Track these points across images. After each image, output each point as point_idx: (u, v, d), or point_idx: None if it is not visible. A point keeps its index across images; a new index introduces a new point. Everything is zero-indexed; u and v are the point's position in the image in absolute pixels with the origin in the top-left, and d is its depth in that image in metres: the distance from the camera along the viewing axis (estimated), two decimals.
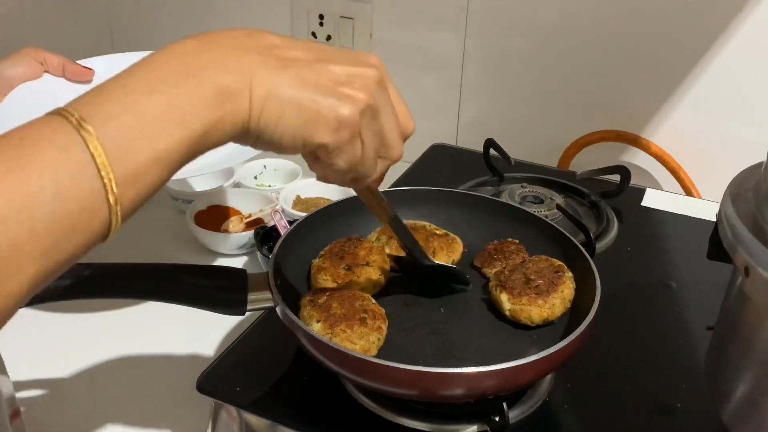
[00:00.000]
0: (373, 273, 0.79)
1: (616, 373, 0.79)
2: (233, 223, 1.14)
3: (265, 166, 1.31)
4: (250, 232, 1.09)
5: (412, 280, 0.81)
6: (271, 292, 0.71)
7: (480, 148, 1.17)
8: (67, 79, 0.95)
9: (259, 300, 0.71)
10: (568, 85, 1.28)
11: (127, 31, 1.67)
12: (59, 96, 0.88)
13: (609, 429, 0.73)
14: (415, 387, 0.64)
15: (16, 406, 0.73)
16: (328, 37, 1.41)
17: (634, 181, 1.12)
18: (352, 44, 1.39)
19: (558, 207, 1.01)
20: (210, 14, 1.54)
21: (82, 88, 1.02)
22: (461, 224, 0.88)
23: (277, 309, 0.71)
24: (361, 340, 0.69)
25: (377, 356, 0.69)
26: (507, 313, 0.75)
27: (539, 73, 1.29)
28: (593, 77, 1.25)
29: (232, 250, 1.12)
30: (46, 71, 0.95)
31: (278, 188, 1.25)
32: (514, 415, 0.71)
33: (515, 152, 1.13)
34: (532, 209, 0.97)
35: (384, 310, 0.73)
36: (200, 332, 0.95)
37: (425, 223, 0.87)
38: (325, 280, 0.77)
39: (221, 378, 0.76)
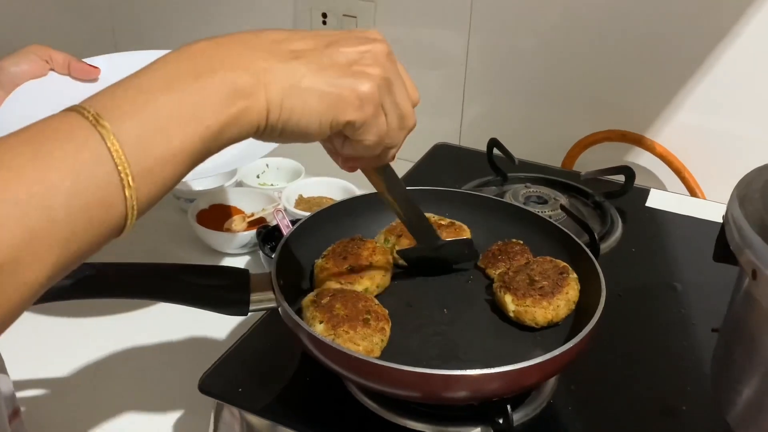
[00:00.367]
0: (376, 273, 0.78)
1: (620, 375, 0.79)
2: (235, 223, 1.14)
3: (267, 165, 1.31)
4: (253, 232, 1.08)
5: (420, 270, 0.81)
6: (274, 293, 0.71)
7: (483, 148, 1.16)
8: (72, 77, 0.95)
9: (262, 300, 0.71)
10: (572, 84, 1.27)
11: (129, 30, 1.67)
12: (64, 94, 0.88)
13: (613, 431, 0.73)
14: (418, 389, 0.64)
15: (16, 406, 0.73)
16: None
17: (639, 182, 1.11)
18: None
19: (562, 207, 1.01)
20: (212, 13, 1.54)
21: (87, 86, 1.03)
22: (465, 225, 0.87)
23: (280, 310, 0.70)
24: (364, 341, 0.68)
25: (380, 357, 0.68)
26: (511, 314, 0.75)
27: (543, 72, 1.29)
28: (597, 77, 1.25)
29: (234, 250, 1.12)
30: (51, 69, 0.94)
31: (281, 187, 1.25)
32: (518, 417, 0.71)
33: (519, 152, 1.13)
34: (536, 210, 0.96)
35: (387, 311, 0.73)
36: (202, 333, 0.95)
37: (430, 214, 0.87)
38: (328, 281, 0.77)
39: (223, 379, 0.75)
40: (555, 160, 1.29)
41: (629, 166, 1.10)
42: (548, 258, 0.80)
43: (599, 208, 1.09)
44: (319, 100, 0.49)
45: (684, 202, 1.14)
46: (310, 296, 0.74)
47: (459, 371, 0.61)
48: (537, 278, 0.75)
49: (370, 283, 0.77)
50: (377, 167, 0.64)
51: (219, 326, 0.95)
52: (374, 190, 0.80)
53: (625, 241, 1.03)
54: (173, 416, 0.84)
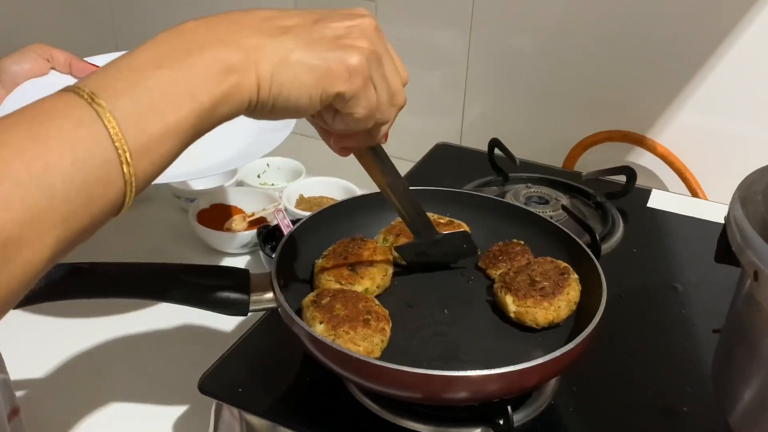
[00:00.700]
0: (377, 274, 0.78)
1: (621, 376, 0.78)
2: (236, 222, 1.13)
3: (268, 165, 1.31)
4: (253, 231, 1.08)
5: (416, 266, 0.81)
6: (274, 293, 0.70)
7: (484, 148, 1.16)
8: (74, 76, 0.95)
9: (262, 300, 0.71)
10: (573, 84, 1.27)
11: (130, 29, 1.67)
12: None
13: None
14: (419, 390, 0.64)
15: (15, 405, 0.73)
16: None
17: (640, 182, 1.11)
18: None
19: (563, 208, 1.01)
20: (213, 13, 1.54)
21: None
22: (466, 225, 0.87)
23: (280, 310, 0.70)
24: (365, 341, 0.68)
25: (381, 358, 0.68)
26: (512, 315, 0.74)
27: (544, 72, 1.29)
28: (599, 77, 1.25)
29: (234, 249, 1.12)
30: (53, 68, 0.94)
31: (281, 187, 1.24)
32: (518, 418, 0.70)
33: (520, 152, 1.13)
34: (537, 210, 0.96)
35: (388, 312, 0.73)
36: (202, 333, 0.95)
37: (430, 214, 0.87)
38: (329, 281, 0.77)
39: (223, 379, 0.75)
40: (556, 161, 1.29)
41: (630, 166, 1.10)
42: (549, 258, 0.80)
43: (600, 209, 1.09)
44: (309, 73, 0.50)
45: (685, 202, 1.14)
46: (311, 296, 0.74)
47: (459, 372, 0.61)
48: (538, 279, 0.75)
49: (371, 283, 0.77)
50: (369, 148, 0.64)
51: (219, 326, 0.95)
52: (376, 190, 0.80)
53: (626, 241, 1.03)
54: (173, 416, 0.84)
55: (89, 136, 0.41)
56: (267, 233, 1.05)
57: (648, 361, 0.81)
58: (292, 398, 0.74)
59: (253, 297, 0.71)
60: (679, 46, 1.17)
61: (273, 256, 0.76)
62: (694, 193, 1.22)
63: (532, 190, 1.09)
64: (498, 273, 0.80)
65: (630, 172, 1.09)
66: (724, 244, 0.60)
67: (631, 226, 1.06)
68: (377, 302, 0.74)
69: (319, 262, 0.80)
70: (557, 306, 0.73)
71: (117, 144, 0.42)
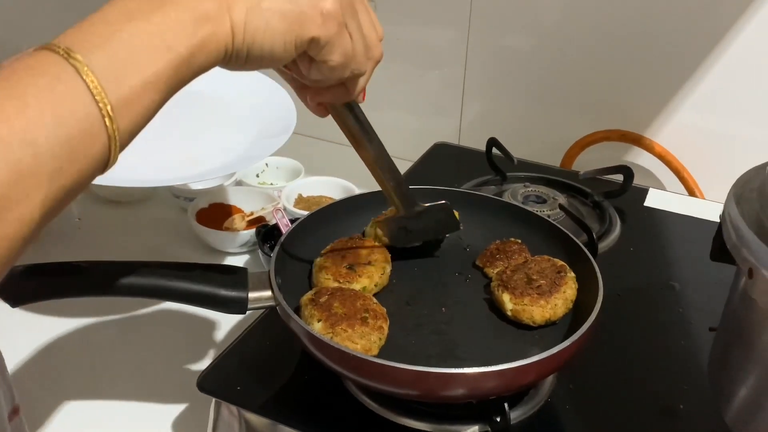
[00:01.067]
0: (375, 272, 0.78)
1: (618, 374, 0.79)
2: (235, 222, 1.14)
3: (267, 165, 1.31)
4: (252, 231, 1.09)
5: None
6: (272, 291, 0.71)
7: (483, 147, 1.17)
8: None
9: (260, 299, 0.71)
10: (571, 84, 1.27)
11: None
12: None
13: (611, 430, 0.73)
14: (416, 387, 0.64)
15: (16, 404, 0.73)
16: None
17: (637, 181, 1.12)
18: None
19: (561, 207, 1.01)
20: None
21: None
22: (463, 224, 0.87)
23: (278, 308, 0.70)
24: (363, 339, 0.68)
25: (378, 356, 0.69)
26: (509, 313, 0.75)
27: (543, 72, 1.29)
28: (597, 76, 1.25)
29: (233, 249, 1.12)
30: None
31: (280, 186, 1.25)
32: (515, 415, 0.71)
33: (518, 151, 1.13)
34: (535, 209, 0.96)
35: (386, 310, 0.73)
36: (201, 331, 0.95)
37: None
38: (327, 279, 0.77)
39: (222, 377, 0.76)
40: (554, 160, 1.29)
41: (628, 165, 1.10)
42: (546, 257, 0.80)
43: (598, 208, 1.09)
44: (281, 19, 0.50)
45: (683, 201, 1.14)
46: (309, 294, 0.74)
47: (457, 369, 0.61)
48: (535, 277, 0.75)
49: (369, 281, 0.78)
50: (347, 107, 0.64)
51: (218, 324, 0.96)
52: (374, 189, 0.80)
53: (623, 240, 1.03)
54: (172, 414, 0.84)
55: (68, 92, 0.41)
56: (266, 232, 1.06)
57: (645, 359, 0.81)
58: (290, 396, 0.75)
59: (252, 295, 0.71)
60: (677, 46, 1.18)
61: (271, 255, 0.76)
62: (692, 193, 1.22)
63: (530, 189, 1.10)
64: (495, 271, 0.81)
65: (627, 171, 1.09)
66: (719, 242, 0.60)
67: (629, 225, 1.06)
68: (375, 300, 0.74)
69: (318, 260, 0.80)
70: (554, 304, 0.74)
71: (97, 98, 0.42)
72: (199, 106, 1.08)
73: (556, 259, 0.79)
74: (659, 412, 0.74)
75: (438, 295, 0.80)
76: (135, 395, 0.87)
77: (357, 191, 1.14)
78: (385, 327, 0.71)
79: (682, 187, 1.23)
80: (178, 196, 1.21)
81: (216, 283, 0.70)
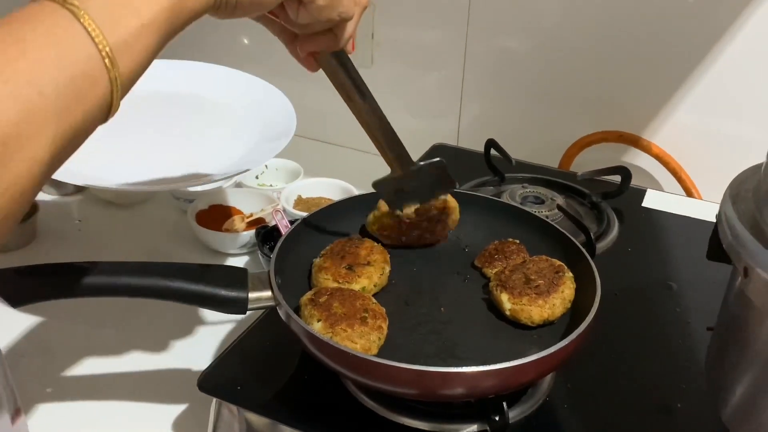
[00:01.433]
0: (374, 272, 0.79)
1: (616, 373, 0.79)
2: (235, 223, 1.14)
3: (266, 166, 1.31)
4: (252, 232, 1.09)
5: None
6: (272, 291, 0.71)
7: (481, 149, 1.17)
8: None
9: (260, 299, 0.71)
10: (569, 85, 1.28)
11: None
12: None
13: (609, 429, 0.73)
14: (415, 386, 0.64)
15: (18, 406, 0.73)
16: None
17: (635, 182, 1.12)
18: (353, 44, 1.39)
19: (559, 207, 1.01)
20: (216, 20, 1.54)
21: None
22: (462, 224, 0.88)
23: (278, 308, 0.71)
24: (362, 339, 0.69)
25: (378, 355, 0.69)
26: (507, 313, 0.75)
27: (541, 73, 1.29)
28: (595, 78, 1.25)
29: (233, 250, 1.12)
30: None
31: (280, 188, 1.25)
32: (514, 414, 0.71)
33: (516, 152, 1.14)
34: (533, 209, 0.97)
35: (385, 310, 0.74)
36: (201, 331, 0.95)
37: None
38: (326, 280, 0.78)
39: (222, 377, 0.76)
40: (552, 161, 1.29)
41: (626, 166, 1.11)
42: (544, 257, 0.80)
43: (596, 208, 1.10)
44: None
45: (680, 202, 1.14)
46: (308, 295, 0.74)
47: (455, 368, 0.62)
48: (533, 277, 0.76)
49: (368, 281, 0.78)
50: (336, 56, 0.65)
51: (218, 325, 0.96)
52: (373, 190, 0.81)
53: (621, 240, 1.03)
54: (173, 414, 0.84)
55: (68, 36, 0.43)
56: (265, 234, 1.06)
57: (643, 358, 0.82)
58: (290, 395, 0.75)
59: (252, 295, 0.71)
60: (674, 46, 1.18)
61: (271, 256, 0.76)
62: (689, 193, 1.22)
63: (528, 190, 1.10)
64: (494, 272, 0.81)
65: (625, 172, 1.09)
66: (715, 241, 0.61)
67: (626, 226, 1.07)
68: (374, 300, 0.75)
69: (317, 261, 0.81)
70: (552, 304, 0.74)
71: (96, 40, 0.43)
72: (200, 111, 1.09)
73: (554, 260, 0.80)
74: (657, 411, 0.75)
75: (437, 295, 0.80)
76: (135, 395, 0.87)
77: (356, 192, 1.15)
78: (385, 327, 0.72)
79: (680, 187, 1.24)
80: (177, 197, 1.21)
81: (216, 284, 0.71)
